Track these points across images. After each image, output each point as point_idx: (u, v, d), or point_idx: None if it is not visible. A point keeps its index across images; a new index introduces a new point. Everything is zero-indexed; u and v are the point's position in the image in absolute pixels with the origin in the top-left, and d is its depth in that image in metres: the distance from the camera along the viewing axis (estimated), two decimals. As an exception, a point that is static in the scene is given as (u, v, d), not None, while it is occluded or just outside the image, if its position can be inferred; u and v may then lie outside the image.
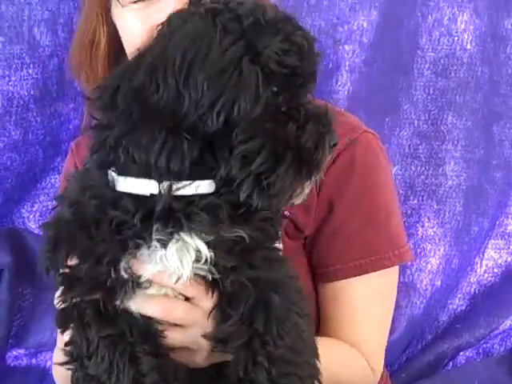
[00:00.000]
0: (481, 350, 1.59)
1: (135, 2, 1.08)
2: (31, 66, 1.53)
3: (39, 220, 1.72)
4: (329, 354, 1.10)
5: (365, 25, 1.56)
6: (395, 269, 1.22)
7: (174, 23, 0.85)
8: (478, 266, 1.60)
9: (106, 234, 0.84)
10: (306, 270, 1.18)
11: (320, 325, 1.19)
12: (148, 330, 0.89)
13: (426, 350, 1.60)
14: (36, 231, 1.68)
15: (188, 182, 0.83)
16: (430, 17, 1.54)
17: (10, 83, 1.53)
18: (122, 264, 0.85)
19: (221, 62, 0.79)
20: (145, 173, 0.83)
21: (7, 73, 1.52)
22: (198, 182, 0.84)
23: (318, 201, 1.15)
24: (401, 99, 1.57)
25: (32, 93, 1.56)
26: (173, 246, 0.84)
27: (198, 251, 0.84)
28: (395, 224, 1.21)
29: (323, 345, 1.12)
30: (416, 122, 1.58)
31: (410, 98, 1.57)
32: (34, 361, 1.69)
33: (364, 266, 1.15)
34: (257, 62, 0.81)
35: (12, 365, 1.68)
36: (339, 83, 1.57)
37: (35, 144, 1.63)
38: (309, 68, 0.85)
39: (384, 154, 1.23)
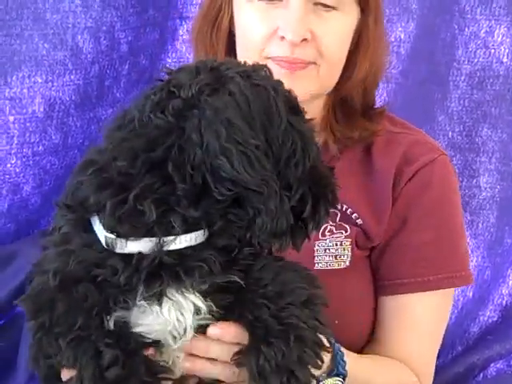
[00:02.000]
0: (512, 363, 1.60)
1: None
2: (73, 72, 1.56)
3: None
4: (383, 372, 1.13)
5: (402, 36, 1.58)
6: (453, 292, 1.22)
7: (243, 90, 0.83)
8: (510, 278, 1.60)
9: (89, 291, 0.81)
10: (368, 280, 1.18)
11: (374, 337, 1.19)
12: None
13: (456, 361, 1.59)
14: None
15: (182, 236, 0.81)
16: (466, 29, 1.55)
17: (53, 88, 1.56)
18: (113, 317, 0.82)
19: (282, 121, 0.83)
20: (150, 231, 0.81)
21: (50, 78, 1.55)
22: (191, 235, 0.81)
23: (392, 212, 1.15)
24: (436, 111, 1.59)
25: (73, 98, 1.59)
26: (167, 305, 0.82)
27: (195, 305, 0.82)
28: (464, 246, 1.21)
29: (378, 364, 1.14)
30: (450, 133, 1.60)
31: (445, 109, 1.59)
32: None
33: (431, 282, 1.15)
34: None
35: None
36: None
37: (74, 148, 1.66)
38: None
39: (456, 179, 1.24)
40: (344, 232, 1.15)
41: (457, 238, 1.20)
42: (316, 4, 1.10)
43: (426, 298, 1.16)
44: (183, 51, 1.70)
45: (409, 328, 1.17)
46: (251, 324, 0.83)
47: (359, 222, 1.15)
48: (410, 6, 1.60)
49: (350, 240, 1.14)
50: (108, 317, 0.82)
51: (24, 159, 1.59)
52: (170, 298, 0.82)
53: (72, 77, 1.57)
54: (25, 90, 1.54)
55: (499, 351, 1.58)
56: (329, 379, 0.97)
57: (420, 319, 1.17)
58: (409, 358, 1.16)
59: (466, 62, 1.56)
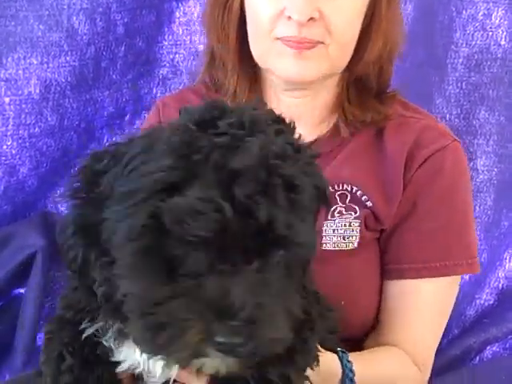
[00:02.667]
0: (508, 345, 1.58)
1: None
2: (69, 53, 1.56)
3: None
4: (381, 366, 1.13)
5: (400, 18, 1.57)
6: (459, 278, 1.22)
7: None
8: (507, 260, 1.60)
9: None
10: (376, 263, 1.18)
11: (378, 324, 1.19)
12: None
13: (452, 344, 1.59)
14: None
15: None
16: (464, 12, 1.55)
17: (48, 70, 1.55)
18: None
19: None
20: None
21: (45, 60, 1.55)
22: None
23: (403, 196, 1.15)
24: (433, 93, 1.59)
25: (69, 80, 1.58)
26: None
27: None
28: (472, 234, 1.20)
29: (375, 357, 1.14)
30: (448, 116, 1.60)
31: (442, 92, 1.58)
32: (62, 343, 1.71)
33: (437, 269, 1.15)
34: None
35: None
36: (372, 76, 1.59)
37: (70, 130, 1.66)
38: None
39: (467, 165, 1.23)
40: (353, 213, 1.15)
41: (465, 226, 1.19)
42: None
43: (431, 284, 1.16)
44: (180, 34, 1.70)
45: (412, 314, 1.16)
46: None
47: (369, 204, 1.15)
48: (408, -12, 1.60)
49: (358, 221, 1.14)
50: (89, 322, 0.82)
51: (20, 141, 1.59)
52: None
53: (68, 58, 1.56)
54: (20, 72, 1.54)
55: (495, 334, 1.57)
56: None
57: (424, 305, 1.16)
58: (410, 344, 1.16)
59: (464, 45, 1.55)
